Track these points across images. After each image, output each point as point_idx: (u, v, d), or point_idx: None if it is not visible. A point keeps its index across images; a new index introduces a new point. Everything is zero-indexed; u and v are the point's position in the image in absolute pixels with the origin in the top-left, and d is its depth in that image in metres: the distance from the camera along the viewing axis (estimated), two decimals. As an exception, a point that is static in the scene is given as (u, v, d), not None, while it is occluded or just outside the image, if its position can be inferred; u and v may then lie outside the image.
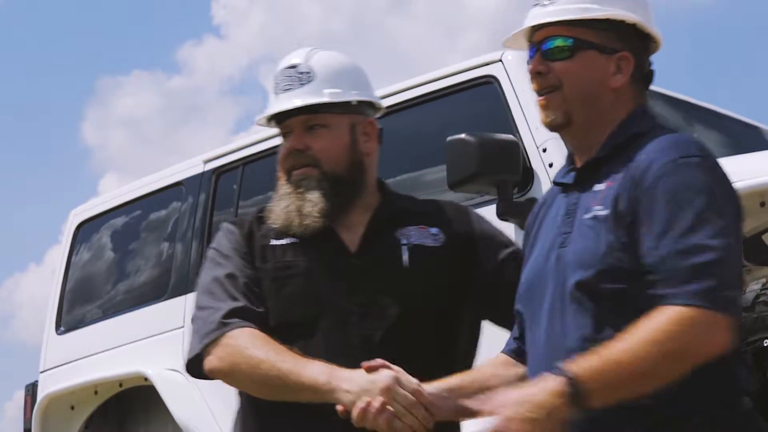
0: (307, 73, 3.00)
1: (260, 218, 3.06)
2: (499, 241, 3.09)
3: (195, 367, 2.91)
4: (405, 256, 2.93)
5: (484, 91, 5.94)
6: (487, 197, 5.63)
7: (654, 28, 2.77)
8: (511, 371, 2.82)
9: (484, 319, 3.08)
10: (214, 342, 2.84)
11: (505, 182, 5.49)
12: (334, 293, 2.89)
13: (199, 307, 2.94)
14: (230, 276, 2.92)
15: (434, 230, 2.99)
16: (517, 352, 2.84)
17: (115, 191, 7.72)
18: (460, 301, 2.98)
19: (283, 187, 3.00)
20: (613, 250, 2.54)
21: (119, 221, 7.31)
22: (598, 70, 2.70)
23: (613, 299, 2.53)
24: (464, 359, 3.02)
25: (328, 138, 2.98)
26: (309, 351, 2.81)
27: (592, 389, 2.40)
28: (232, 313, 2.86)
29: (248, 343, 2.80)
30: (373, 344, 2.83)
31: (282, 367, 2.73)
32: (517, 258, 2.94)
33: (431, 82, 6.19)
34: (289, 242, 2.98)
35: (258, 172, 6.52)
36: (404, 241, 2.95)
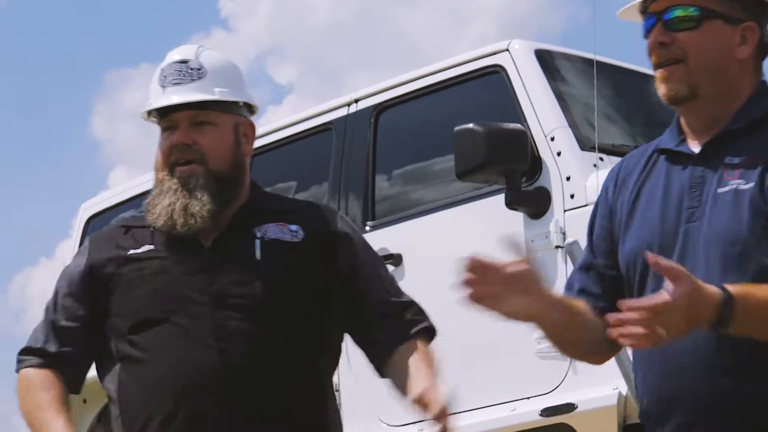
0: (198, 69, 3.00)
1: (123, 230, 3.13)
2: (361, 245, 3.08)
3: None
4: (258, 250, 2.94)
5: (491, 81, 5.96)
6: (495, 187, 5.65)
7: None
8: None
9: (342, 318, 3.09)
10: (20, 367, 3.05)
11: (513, 171, 5.49)
12: (188, 288, 2.92)
13: (37, 326, 3.11)
14: (53, 322, 3.05)
15: (294, 227, 3.00)
16: (601, 311, 2.75)
17: (124, 185, 7.76)
18: (319, 298, 2.99)
19: (166, 183, 2.98)
20: (758, 225, 2.51)
21: (129, 215, 7.36)
22: (724, 41, 2.62)
23: (757, 274, 2.50)
24: (322, 354, 3.05)
25: (215, 135, 2.98)
26: (165, 345, 2.90)
27: (739, 316, 2.39)
28: (37, 352, 3.03)
29: (31, 386, 3.00)
30: (226, 334, 2.87)
31: (35, 422, 2.96)
32: (375, 265, 3.08)
33: (439, 72, 6.19)
34: (146, 249, 3.01)
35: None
36: (259, 235, 2.96)
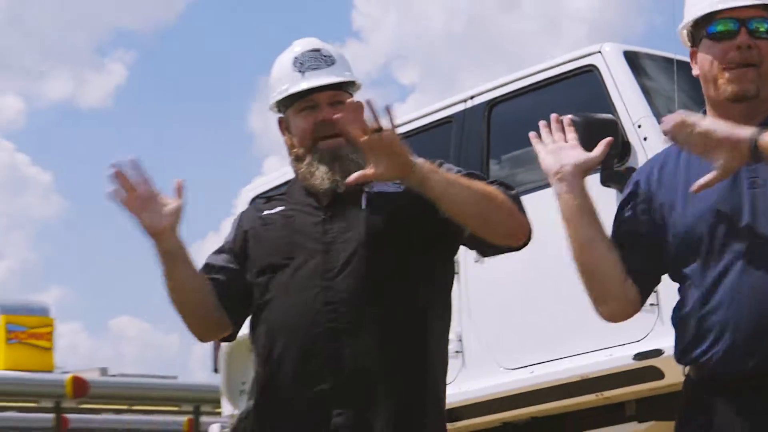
0: (329, 56, 3.03)
1: (263, 201, 3.18)
2: (455, 170, 3.02)
3: None
4: (363, 201, 2.93)
5: (586, 78, 6.10)
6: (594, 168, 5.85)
7: None
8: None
9: (446, 239, 3.02)
10: None
11: (607, 155, 5.69)
12: (305, 238, 2.93)
13: None
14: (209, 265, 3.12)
15: (396, 183, 2.96)
16: (636, 274, 2.84)
17: (279, 171, 7.97)
18: (426, 235, 2.95)
19: (315, 154, 2.98)
20: None
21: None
22: None
23: None
24: (435, 284, 3.01)
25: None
26: (284, 287, 2.92)
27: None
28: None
29: None
30: (332, 275, 2.87)
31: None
32: (473, 176, 2.98)
33: (542, 71, 6.38)
34: (278, 209, 3.05)
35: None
36: (366, 190, 2.94)
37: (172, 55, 77.95)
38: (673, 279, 2.83)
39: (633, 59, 6.05)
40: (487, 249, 2.96)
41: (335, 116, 2.89)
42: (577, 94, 6.15)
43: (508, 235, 2.89)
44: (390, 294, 2.87)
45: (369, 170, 2.73)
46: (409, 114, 7.27)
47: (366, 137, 2.68)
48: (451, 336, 6.29)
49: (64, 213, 79.30)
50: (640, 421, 5.91)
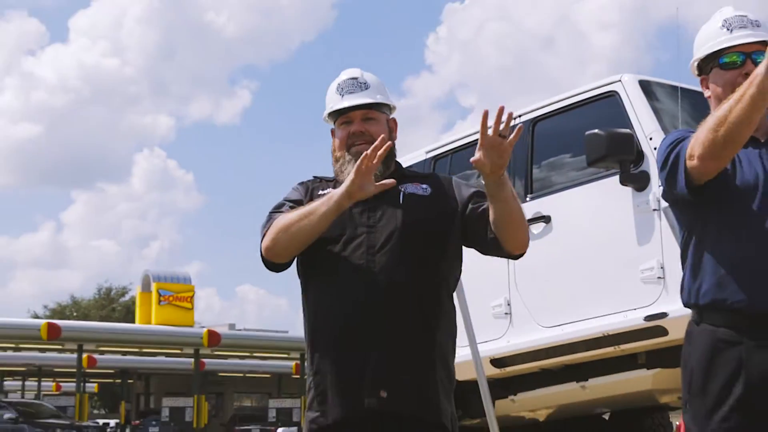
0: (365, 83, 2.99)
1: (317, 180, 3.06)
2: (468, 188, 2.96)
3: (264, 261, 2.93)
4: (401, 198, 2.89)
5: (609, 101, 6.08)
6: (612, 171, 5.78)
7: None
8: None
9: (464, 239, 2.94)
10: (266, 233, 2.89)
11: (625, 161, 5.64)
12: (353, 220, 2.87)
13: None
14: (279, 207, 2.98)
15: (424, 186, 2.95)
16: None
17: (460, 133, 7.33)
18: (445, 229, 2.89)
19: (347, 157, 2.93)
20: None
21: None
22: None
23: None
24: (449, 267, 2.92)
25: (378, 126, 2.97)
26: (335, 255, 2.85)
27: None
28: (274, 212, 2.96)
29: (282, 218, 2.87)
30: (373, 251, 2.82)
31: (303, 210, 2.83)
32: (478, 197, 2.88)
33: (574, 96, 6.38)
34: (328, 191, 2.93)
35: (463, 158, 6.70)
36: (401, 190, 2.91)
37: (286, 85, 78.63)
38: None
39: (646, 86, 6.01)
40: (493, 250, 2.88)
41: (364, 128, 2.92)
42: (602, 113, 6.09)
43: (518, 247, 2.84)
44: (415, 271, 2.81)
45: (477, 157, 2.66)
46: (469, 129, 7.23)
47: (494, 135, 2.64)
48: (501, 301, 6.45)
49: (202, 205, 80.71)
50: (648, 368, 5.89)
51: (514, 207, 2.75)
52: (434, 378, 2.81)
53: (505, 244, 2.82)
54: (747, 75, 2.57)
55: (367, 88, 2.99)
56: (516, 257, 2.91)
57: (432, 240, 2.86)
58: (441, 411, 2.80)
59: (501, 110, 2.63)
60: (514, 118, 6.65)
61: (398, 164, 3.04)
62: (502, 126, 2.63)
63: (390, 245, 2.83)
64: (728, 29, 2.71)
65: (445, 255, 2.89)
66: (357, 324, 2.79)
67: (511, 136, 2.64)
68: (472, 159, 2.69)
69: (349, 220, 2.89)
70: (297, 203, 2.97)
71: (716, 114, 2.54)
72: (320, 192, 2.98)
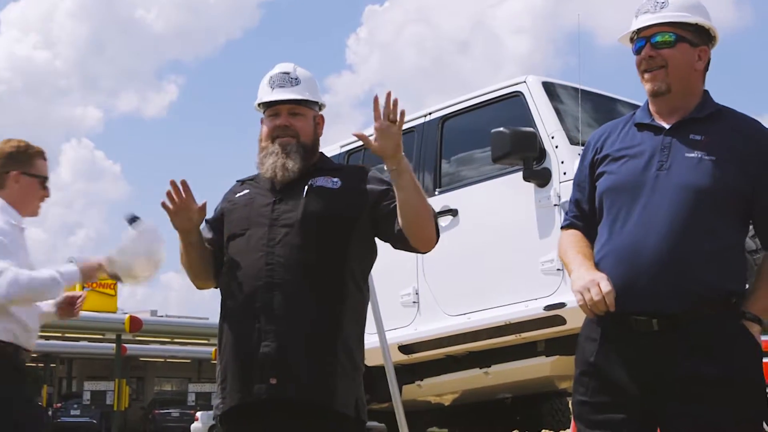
0: (296, 79, 2.97)
1: (238, 184, 3.08)
2: (382, 184, 2.90)
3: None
4: (305, 191, 2.87)
5: (514, 101, 6.09)
6: (516, 167, 5.79)
7: (716, 32, 2.68)
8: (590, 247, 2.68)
9: (375, 233, 2.92)
10: None
11: (528, 158, 5.67)
12: (258, 215, 2.88)
13: None
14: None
15: (335, 179, 2.91)
16: (585, 230, 2.72)
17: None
18: (350, 218, 2.86)
19: (270, 148, 2.93)
20: (717, 181, 2.48)
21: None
22: (689, 57, 2.61)
23: (713, 205, 2.48)
24: (356, 255, 2.87)
25: (304, 122, 2.95)
26: (240, 251, 2.86)
27: None
28: None
29: None
30: (273, 243, 2.82)
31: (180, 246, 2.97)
32: (390, 194, 2.84)
33: (482, 95, 6.37)
34: (244, 192, 3.00)
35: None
36: (310, 183, 2.89)
37: (213, 81, 77.70)
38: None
39: (549, 87, 6.04)
40: (400, 244, 2.85)
41: (289, 123, 2.93)
42: (508, 112, 6.10)
43: (424, 242, 2.80)
44: (314, 261, 2.79)
45: (373, 141, 2.66)
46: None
47: (383, 120, 2.63)
48: (409, 290, 6.41)
49: (130, 195, 79.34)
50: (547, 356, 5.92)
51: (415, 197, 2.71)
52: (333, 364, 2.77)
53: (411, 240, 2.79)
54: (645, 59, 2.61)
55: (297, 84, 2.96)
56: (423, 252, 2.88)
57: (334, 228, 2.83)
58: (337, 397, 2.75)
59: (388, 96, 2.63)
60: (425, 116, 6.70)
61: (323, 157, 3.02)
62: (390, 112, 2.62)
63: (289, 237, 2.81)
64: (635, 15, 2.71)
65: (349, 242, 2.84)
66: (254, 314, 2.77)
67: (398, 119, 2.63)
68: (361, 134, 2.69)
69: (255, 216, 2.89)
70: (213, 222, 3.02)
71: (564, 257, 2.68)
72: (231, 198, 3.02)
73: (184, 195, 2.87)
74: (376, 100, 2.65)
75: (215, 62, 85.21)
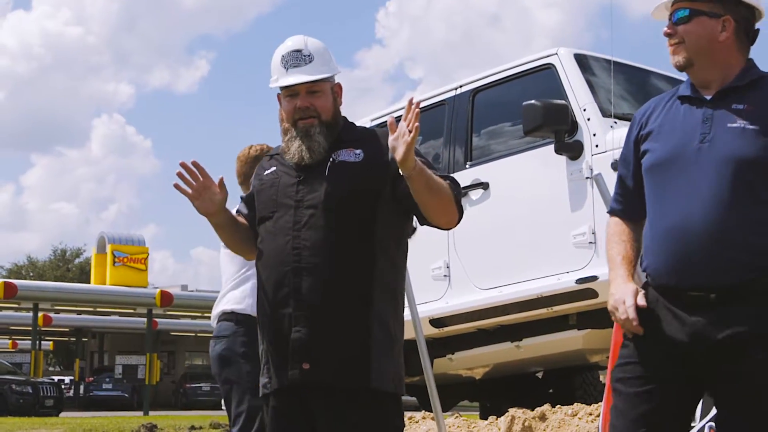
0: (309, 56, 2.90)
1: (268, 158, 3.07)
2: None
3: None
4: (326, 169, 2.84)
5: (546, 74, 6.09)
6: (548, 140, 5.81)
7: (756, 1, 2.61)
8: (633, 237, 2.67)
9: (402, 208, 2.86)
10: None
11: (559, 130, 5.68)
12: (284, 196, 2.88)
13: None
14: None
15: (358, 151, 2.87)
16: (628, 213, 2.70)
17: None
18: (374, 192, 2.83)
19: (292, 131, 2.90)
20: (761, 149, 2.45)
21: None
22: (708, 30, 2.57)
23: (758, 174, 2.45)
24: (384, 229, 2.84)
25: (323, 99, 2.90)
26: (270, 234, 2.87)
27: None
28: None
29: None
30: (299, 225, 2.82)
31: None
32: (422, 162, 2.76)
33: (514, 68, 6.36)
34: (272, 170, 2.98)
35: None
36: (331, 159, 2.86)
37: (243, 55, 77.87)
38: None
39: (581, 59, 6.06)
40: (424, 222, 2.86)
41: (309, 103, 2.88)
42: (539, 85, 6.09)
43: (444, 223, 2.83)
44: (341, 243, 2.78)
45: (390, 140, 2.63)
46: (415, 98, 7.18)
47: (402, 129, 2.60)
48: (440, 264, 6.44)
49: (160, 170, 79.84)
50: (579, 329, 5.95)
51: (430, 195, 2.72)
52: (366, 343, 2.78)
53: (431, 221, 2.83)
54: (667, 36, 2.62)
55: (311, 61, 2.90)
56: (447, 230, 2.90)
57: (359, 205, 2.81)
58: (373, 375, 2.77)
59: (409, 104, 2.62)
60: (456, 89, 6.72)
61: (346, 125, 2.98)
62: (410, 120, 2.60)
63: (314, 219, 2.81)
64: None
65: (375, 217, 2.82)
66: (284, 299, 2.80)
67: (411, 134, 2.59)
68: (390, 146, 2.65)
69: (281, 197, 2.89)
70: (248, 199, 3.03)
71: (607, 255, 2.69)
72: (261, 175, 3.00)
73: (201, 177, 2.87)
74: (410, 102, 2.63)
75: (245, 37, 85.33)
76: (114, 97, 79.14)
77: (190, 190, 2.88)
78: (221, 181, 2.90)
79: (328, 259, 2.78)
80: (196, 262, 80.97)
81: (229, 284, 4.28)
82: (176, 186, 2.88)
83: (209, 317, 4.49)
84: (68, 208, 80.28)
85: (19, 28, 75.42)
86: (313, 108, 2.89)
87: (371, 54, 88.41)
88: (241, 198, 3.09)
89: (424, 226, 2.91)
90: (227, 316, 4.22)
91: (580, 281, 5.63)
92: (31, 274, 51.20)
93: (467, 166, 6.36)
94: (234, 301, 4.22)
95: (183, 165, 2.87)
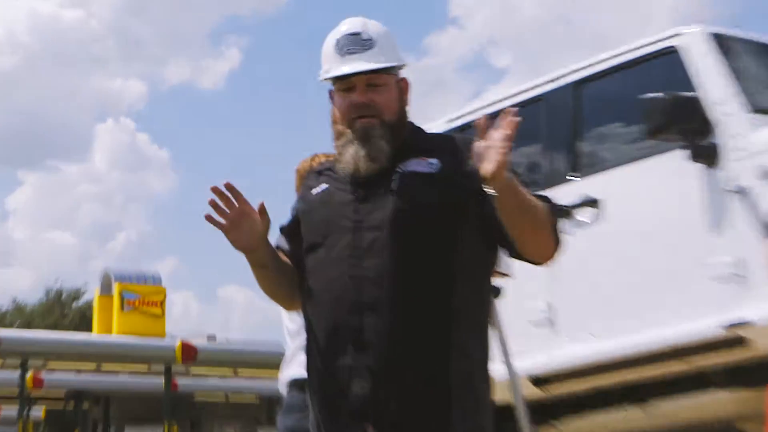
0: (369, 40, 2.97)
1: (314, 172, 3.16)
2: None
3: None
4: (395, 181, 2.90)
5: (670, 59, 6.10)
6: (676, 143, 5.82)
7: None
8: None
9: (488, 233, 2.90)
10: None
11: (691, 131, 5.71)
12: (339, 217, 2.93)
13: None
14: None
15: (433, 160, 2.92)
16: None
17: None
18: (453, 214, 2.88)
19: (348, 135, 2.97)
20: None
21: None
22: None
23: None
24: (468, 259, 2.90)
25: (386, 94, 2.97)
26: (321, 265, 2.93)
27: None
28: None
29: None
30: (359, 252, 2.87)
31: None
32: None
33: (630, 51, 6.40)
34: (322, 188, 3.05)
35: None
36: (399, 170, 2.92)
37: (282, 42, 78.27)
38: None
39: (716, 40, 6.06)
40: (513, 255, 2.90)
41: (369, 99, 2.94)
42: (662, 74, 6.13)
43: (539, 256, 2.89)
44: (413, 274, 2.83)
45: (480, 153, 2.64)
46: (502, 93, 7.27)
47: (492, 141, 2.62)
48: (540, 304, 6.50)
49: (180, 189, 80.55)
50: (726, 389, 5.93)
51: (521, 218, 2.76)
52: (446, 399, 2.83)
53: (524, 253, 2.87)
54: None
55: (371, 47, 2.98)
56: (541, 265, 2.94)
57: (435, 226, 2.87)
58: None
59: (505, 119, 2.63)
60: (554, 80, 6.81)
61: (414, 130, 3.06)
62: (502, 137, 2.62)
63: (378, 243, 2.87)
64: None
65: (456, 242, 2.89)
66: (341, 345, 2.86)
67: (507, 148, 2.60)
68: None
69: (335, 218, 2.96)
70: (289, 229, 3.11)
71: None
72: (306, 195, 3.08)
73: (236, 203, 2.93)
74: (507, 113, 2.66)
75: (284, 18, 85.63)
76: (122, 97, 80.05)
77: (222, 221, 2.95)
78: (262, 207, 2.97)
79: (397, 293, 2.83)
80: (227, 304, 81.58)
81: (299, 341, 4.34)
82: (208, 218, 2.95)
83: (243, 376, 4.63)
84: (64, 238, 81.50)
85: (1, 10, 77.29)
86: (373, 105, 2.96)
87: (444, 38, 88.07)
88: (281, 229, 3.16)
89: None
90: (300, 383, 4.24)
91: (725, 326, 5.62)
92: (18, 321, 52.12)
93: (571, 178, 6.46)
94: None
95: (215, 191, 2.94)
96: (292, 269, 3.09)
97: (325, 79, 3.04)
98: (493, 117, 2.70)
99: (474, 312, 2.91)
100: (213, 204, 2.93)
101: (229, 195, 2.94)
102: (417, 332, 2.82)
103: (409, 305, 2.82)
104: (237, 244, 2.96)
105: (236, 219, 2.94)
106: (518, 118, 2.63)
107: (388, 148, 2.93)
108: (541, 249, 2.87)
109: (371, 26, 3.02)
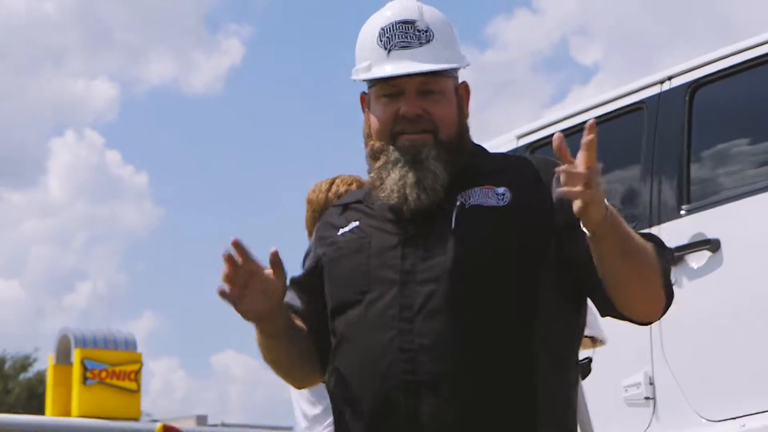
0: (426, 31, 2.95)
1: (340, 209, 3.17)
2: None
3: None
4: (453, 219, 2.90)
5: None
6: None
7: None
8: None
9: (573, 283, 2.93)
10: None
11: None
12: (381, 266, 2.94)
13: None
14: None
15: (501, 190, 2.92)
16: None
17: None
18: (529, 261, 2.89)
19: (391, 154, 2.95)
20: None
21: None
22: None
23: None
24: (548, 323, 2.91)
25: (444, 104, 2.97)
26: (356, 329, 2.93)
27: None
28: None
29: None
30: (410, 314, 2.87)
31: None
32: None
33: (760, 46, 6.29)
34: (352, 226, 3.05)
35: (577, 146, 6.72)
36: (459, 203, 2.91)
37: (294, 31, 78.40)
38: None
39: None
40: (606, 312, 2.90)
41: (422, 110, 2.94)
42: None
43: (643, 312, 2.88)
44: (484, 340, 2.85)
45: (566, 186, 2.67)
46: (591, 99, 7.28)
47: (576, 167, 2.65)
48: (639, 379, 6.46)
49: (160, 224, 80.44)
50: None
51: (624, 270, 2.75)
52: None
53: (624, 309, 2.87)
54: None
55: (429, 41, 2.96)
56: (646, 324, 2.95)
57: (509, 278, 2.88)
58: None
59: (587, 136, 2.67)
60: (661, 82, 6.77)
61: (476, 150, 3.07)
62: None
63: (435, 301, 2.87)
64: None
65: (536, 296, 2.89)
66: (386, 429, 2.87)
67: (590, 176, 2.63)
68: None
69: (375, 268, 2.96)
70: (303, 282, 3.11)
71: None
72: (329, 236, 3.07)
73: (240, 260, 2.87)
74: (589, 127, 2.68)
75: (297, 3, 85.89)
76: (85, 103, 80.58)
77: (229, 291, 2.90)
78: (275, 258, 2.92)
79: (463, 367, 2.83)
80: (221, 376, 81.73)
81: (321, 429, 4.46)
82: (222, 294, 2.89)
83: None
84: (9, 289, 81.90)
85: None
86: (427, 117, 2.95)
87: (514, 25, 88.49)
88: (292, 282, 3.12)
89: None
90: None
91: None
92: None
93: (682, 211, 6.41)
94: None
95: (227, 259, 2.87)
96: (306, 335, 3.07)
97: (364, 80, 3.04)
98: (575, 132, 2.69)
99: (560, 389, 2.92)
100: (228, 277, 2.88)
101: (235, 255, 2.89)
102: (489, 420, 2.82)
103: (478, 385, 2.83)
104: (248, 315, 2.92)
105: (242, 282, 2.89)
106: (592, 135, 2.64)
107: (445, 173, 2.92)
108: (648, 304, 2.85)
109: (428, 13, 3.00)
